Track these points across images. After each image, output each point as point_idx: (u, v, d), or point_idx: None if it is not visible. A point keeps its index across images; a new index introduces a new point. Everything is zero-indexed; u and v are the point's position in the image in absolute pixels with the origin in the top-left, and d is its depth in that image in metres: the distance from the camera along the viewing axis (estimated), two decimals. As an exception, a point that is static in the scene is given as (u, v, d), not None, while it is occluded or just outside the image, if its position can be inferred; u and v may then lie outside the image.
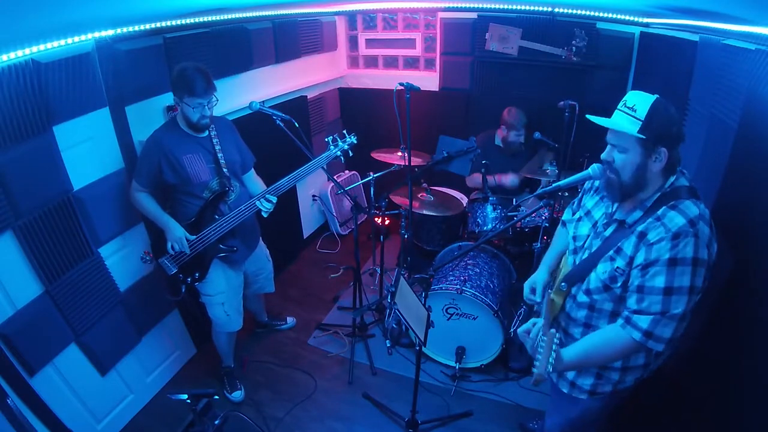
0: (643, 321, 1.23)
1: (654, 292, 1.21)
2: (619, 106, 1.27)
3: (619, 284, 1.30)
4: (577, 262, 1.45)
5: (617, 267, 1.29)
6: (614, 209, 1.37)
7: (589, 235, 1.44)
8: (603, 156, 1.32)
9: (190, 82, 1.87)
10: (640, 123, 1.20)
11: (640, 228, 1.25)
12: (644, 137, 1.20)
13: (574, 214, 1.58)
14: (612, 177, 1.29)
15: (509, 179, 3.07)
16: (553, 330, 1.31)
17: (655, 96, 1.22)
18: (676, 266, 1.18)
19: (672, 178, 1.27)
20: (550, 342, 1.26)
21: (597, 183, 1.47)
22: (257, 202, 2.07)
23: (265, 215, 2.11)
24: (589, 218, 1.47)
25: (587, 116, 1.34)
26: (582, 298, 1.41)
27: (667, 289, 1.19)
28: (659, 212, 1.23)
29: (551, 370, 1.24)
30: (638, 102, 1.22)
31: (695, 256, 1.17)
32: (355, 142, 2.28)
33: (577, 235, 1.50)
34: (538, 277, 1.62)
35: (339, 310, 3.21)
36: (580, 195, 1.60)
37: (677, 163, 1.27)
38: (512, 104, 3.07)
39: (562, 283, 1.46)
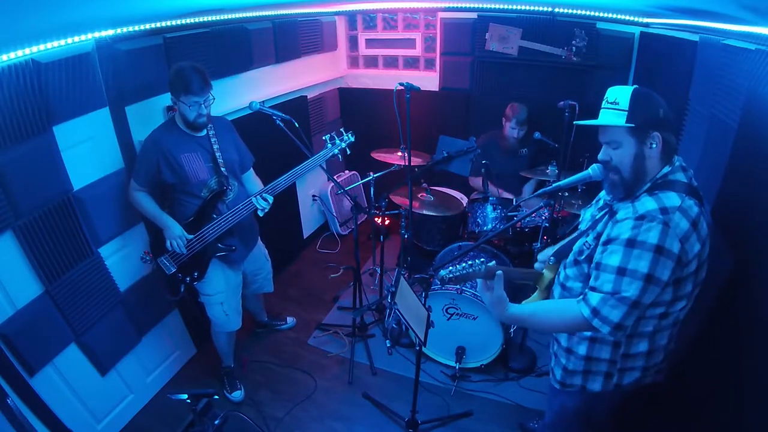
0: (594, 298, 1.23)
1: (608, 270, 1.21)
2: (602, 105, 1.28)
3: (583, 257, 1.33)
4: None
5: (586, 241, 1.33)
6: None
7: (588, 219, 1.49)
8: (600, 157, 1.32)
9: (186, 80, 1.88)
10: (626, 113, 1.21)
11: (615, 208, 1.28)
12: (633, 125, 1.21)
13: None
14: (614, 177, 1.29)
15: (508, 195, 3.13)
16: (491, 264, 1.39)
17: (634, 86, 1.24)
18: (634, 248, 1.17)
19: (666, 169, 1.25)
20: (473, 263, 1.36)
21: None
22: (253, 199, 2.08)
23: (260, 214, 2.11)
24: (596, 204, 1.51)
25: (575, 122, 1.36)
26: (561, 274, 1.45)
27: (621, 269, 1.18)
28: (639, 197, 1.24)
29: (448, 275, 1.37)
30: (619, 95, 1.23)
31: (659, 244, 1.14)
32: (353, 140, 2.27)
33: (582, 219, 1.54)
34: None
35: (339, 310, 3.21)
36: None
37: (673, 150, 1.26)
38: (514, 102, 3.09)
39: (551, 257, 1.50)
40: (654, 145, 1.23)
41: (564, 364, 1.48)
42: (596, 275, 1.25)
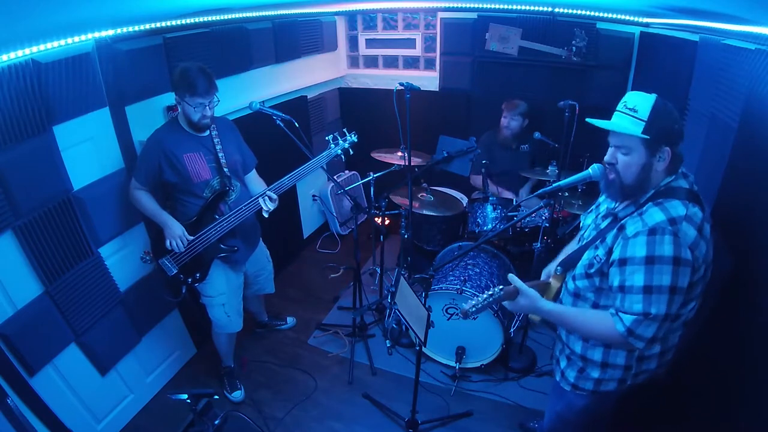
0: (627, 319, 1.24)
1: (633, 291, 1.22)
2: (618, 108, 1.27)
3: (593, 270, 1.33)
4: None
5: (596, 255, 1.33)
6: (617, 204, 1.39)
7: (590, 226, 1.48)
8: (606, 158, 1.32)
9: (192, 81, 1.88)
10: (643, 123, 1.21)
11: (623, 221, 1.28)
12: (648, 137, 1.20)
13: None
14: (613, 178, 1.30)
15: (509, 194, 3.14)
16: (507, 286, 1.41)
17: (654, 95, 1.23)
18: (654, 264, 1.18)
19: (669, 178, 1.27)
20: (493, 291, 1.37)
21: None
22: (260, 200, 2.07)
23: (265, 215, 2.11)
24: (597, 210, 1.51)
25: (587, 119, 1.34)
26: (570, 284, 1.45)
27: (646, 287, 1.19)
28: (644, 208, 1.25)
29: (473, 308, 1.39)
30: (639, 103, 1.22)
31: (675, 255, 1.16)
32: (356, 140, 2.28)
33: (583, 225, 1.55)
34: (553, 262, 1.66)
35: (339, 310, 3.21)
36: None
37: (679, 161, 1.27)
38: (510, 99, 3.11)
39: (558, 267, 1.50)
40: (662, 159, 1.24)
41: (580, 366, 1.48)
42: (622, 298, 1.25)
